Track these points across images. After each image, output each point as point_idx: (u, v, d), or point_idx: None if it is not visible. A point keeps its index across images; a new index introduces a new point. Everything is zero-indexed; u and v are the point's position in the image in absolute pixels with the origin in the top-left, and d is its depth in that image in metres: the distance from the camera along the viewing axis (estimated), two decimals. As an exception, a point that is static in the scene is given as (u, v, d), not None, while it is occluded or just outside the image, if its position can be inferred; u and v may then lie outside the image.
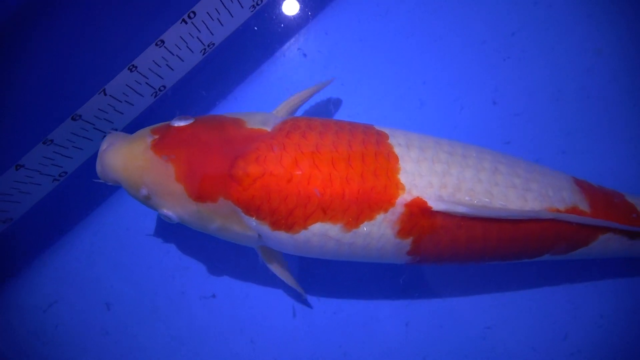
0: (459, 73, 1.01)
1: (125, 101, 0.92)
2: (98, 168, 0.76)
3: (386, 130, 0.77)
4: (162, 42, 0.87)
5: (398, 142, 0.74)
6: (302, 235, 0.72)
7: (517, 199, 0.74)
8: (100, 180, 0.77)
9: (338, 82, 0.99)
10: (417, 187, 0.71)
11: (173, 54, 0.91)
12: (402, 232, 0.72)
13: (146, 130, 0.77)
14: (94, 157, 0.78)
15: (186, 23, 0.88)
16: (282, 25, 1.02)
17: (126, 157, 0.73)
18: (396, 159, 0.72)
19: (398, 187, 0.71)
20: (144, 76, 0.91)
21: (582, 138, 0.98)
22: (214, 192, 0.71)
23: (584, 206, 0.77)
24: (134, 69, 0.88)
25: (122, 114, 0.94)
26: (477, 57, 1.01)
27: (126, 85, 0.90)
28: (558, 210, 0.75)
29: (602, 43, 1.00)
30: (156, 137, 0.74)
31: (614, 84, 0.99)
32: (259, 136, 0.73)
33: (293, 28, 1.03)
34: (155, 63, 0.90)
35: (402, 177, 0.71)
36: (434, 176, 0.72)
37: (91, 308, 1.00)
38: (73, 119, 0.86)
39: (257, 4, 0.96)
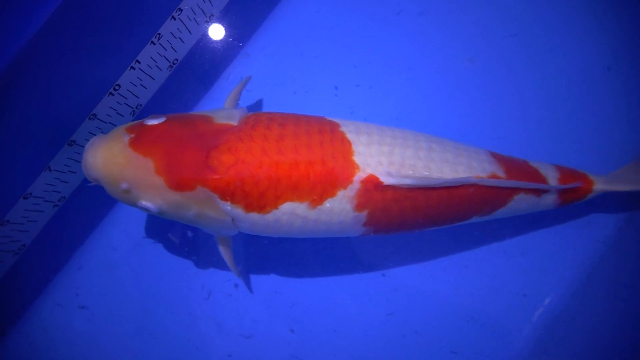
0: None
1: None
2: (83, 169, 0.82)
3: (336, 120, 0.89)
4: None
5: (349, 130, 0.87)
6: (272, 214, 0.82)
7: (450, 171, 0.87)
8: (93, 184, 0.84)
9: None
10: (369, 166, 0.82)
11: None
12: (359, 205, 0.83)
13: (121, 129, 0.82)
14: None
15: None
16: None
17: (106, 155, 0.79)
18: (349, 143, 0.84)
19: (354, 166, 0.82)
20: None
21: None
22: (192, 181, 0.79)
23: (500, 173, 0.92)
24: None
25: (107, 135, 1.04)
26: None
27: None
28: (481, 177, 0.90)
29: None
30: (132, 135, 0.80)
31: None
32: (227, 129, 0.83)
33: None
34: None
35: (357, 158, 0.82)
36: (382, 156, 0.84)
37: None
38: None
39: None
